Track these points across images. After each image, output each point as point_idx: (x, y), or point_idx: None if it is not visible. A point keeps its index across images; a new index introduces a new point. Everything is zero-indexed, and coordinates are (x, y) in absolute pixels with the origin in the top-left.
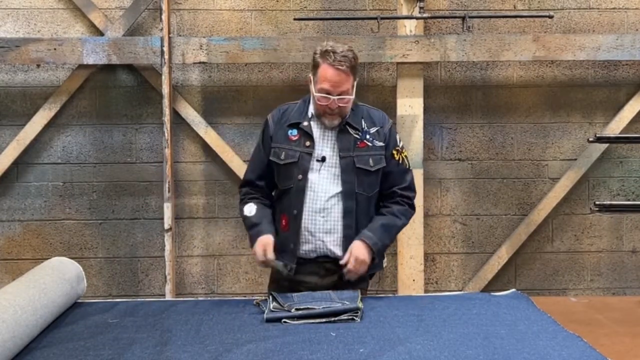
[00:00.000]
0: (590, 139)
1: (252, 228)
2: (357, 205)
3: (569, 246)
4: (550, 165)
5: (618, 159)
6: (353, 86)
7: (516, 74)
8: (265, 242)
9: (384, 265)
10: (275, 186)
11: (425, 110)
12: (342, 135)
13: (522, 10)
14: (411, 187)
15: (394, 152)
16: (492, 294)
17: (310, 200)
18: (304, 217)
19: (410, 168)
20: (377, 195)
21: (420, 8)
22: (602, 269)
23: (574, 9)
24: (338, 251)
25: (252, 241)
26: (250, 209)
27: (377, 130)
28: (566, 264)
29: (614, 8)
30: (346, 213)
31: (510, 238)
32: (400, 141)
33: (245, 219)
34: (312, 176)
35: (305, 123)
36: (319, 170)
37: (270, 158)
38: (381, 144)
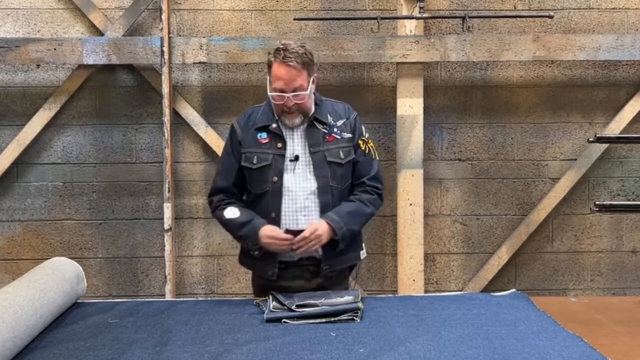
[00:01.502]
0: (591, 139)
1: (242, 227)
2: (332, 199)
3: (569, 246)
4: (550, 165)
5: (618, 159)
6: (309, 82)
7: (516, 74)
8: (273, 228)
9: (362, 257)
10: (246, 192)
11: (425, 110)
12: (310, 131)
13: (522, 10)
14: (377, 177)
15: (360, 142)
16: (492, 294)
17: (289, 200)
18: (283, 218)
19: (377, 158)
20: (349, 187)
21: (420, 8)
22: (602, 269)
23: (574, 9)
24: (319, 248)
25: (248, 237)
26: (233, 212)
27: (343, 123)
28: (566, 264)
29: (614, 8)
30: (323, 208)
31: (510, 238)
32: (365, 132)
33: (230, 222)
34: (287, 176)
35: (274, 125)
36: (293, 169)
37: (242, 163)
38: (349, 135)
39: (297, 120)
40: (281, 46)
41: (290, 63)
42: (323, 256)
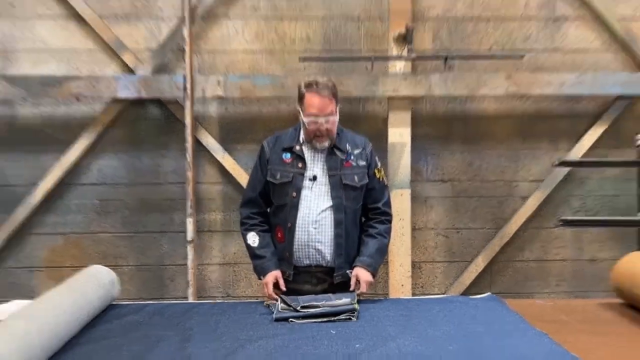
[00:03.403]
0: (555, 163)
1: (256, 258)
2: (345, 217)
3: (537, 256)
4: (521, 185)
5: (579, 180)
6: (336, 110)
7: (491, 106)
8: (277, 275)
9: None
10: (271, 202)
11: (412, 138)
12: (330, 157)
13: (496, 51)
14: (389, 203)
15: (376, 171)
16: (471, 297)
17: (304, 214)
18: (297, 229)
19: (388, 185)
20: (362, 207)
21: (409, 50)
22: (565, 276)
23: (541, 50)
24: (329, 256)
25: (258, 272)
26: (253, 239)
27: (360, 152)
28: (535, 271)
29: (575, 50)
30: (337, 224)
31: (486, 249)
32: (378, 162)
33: (248, 247)
34: (304, 193)
35: (297, 147)
36: (311, 188)
37: (268, 178)
38: (364, 163)
39: (327, 143)
40: (312, 80)
41: (323, 93)
42: (336, 267)
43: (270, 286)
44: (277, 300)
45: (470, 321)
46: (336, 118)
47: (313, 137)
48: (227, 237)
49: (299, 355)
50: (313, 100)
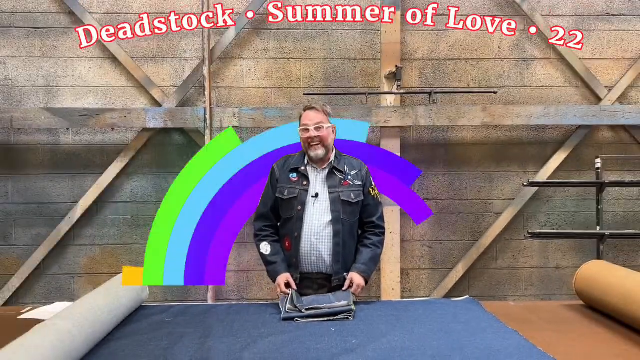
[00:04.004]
0: (525, 184)
1: (269, 264)
2: (343, 228)
3: (509, 263)
4: (495, 203)
5: (545, 199)
6: (327, 121)
7: (469, 135)
8: (287, 277)
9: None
10: (280, 217)
11: None
12: (330, 177)
13: (474, 87)
14: (382, 217)
15: (370, 189)
16: (451, 299)
17: (308, 226)
18: (302, 239)
19: (381, 202)
20: (358, 221)
21: (398, 86)
22: (533, 281)
23: (512, 86)
24: (328, 261)
25: (270, 275)
26: (266, 248)
27: (356, 173)
28: (507, 277)
29: (542, 86)
30: (335, 234)
31: (465, 257)
32: (373, 182)
33: (262, 255)
34: (308, 207)
35: (303, 168)
36: (314, 204)
37: (277, 195)
38: (360, 183)
39: (320, 152)
40: (307, 105)
41: (314, 106)
42: (334, 272)
43: (282, 285)
44: (288, 294)
45: (451, 320)
46: (328, 130)
47: (308, 147)
48: (242, 247)
49: (303, 349)
50: (306, 114)
